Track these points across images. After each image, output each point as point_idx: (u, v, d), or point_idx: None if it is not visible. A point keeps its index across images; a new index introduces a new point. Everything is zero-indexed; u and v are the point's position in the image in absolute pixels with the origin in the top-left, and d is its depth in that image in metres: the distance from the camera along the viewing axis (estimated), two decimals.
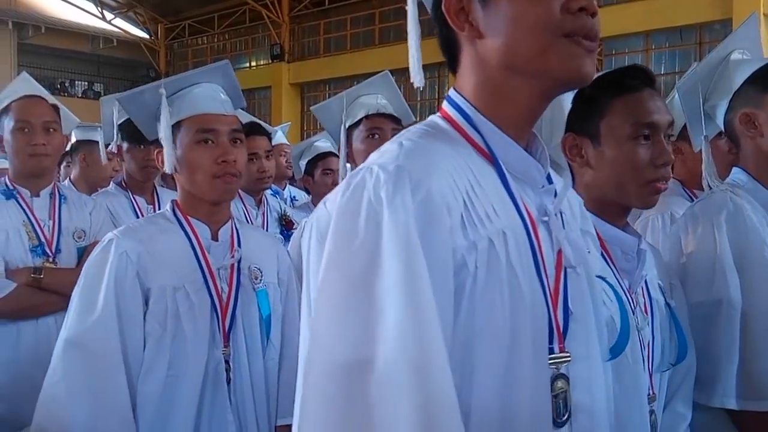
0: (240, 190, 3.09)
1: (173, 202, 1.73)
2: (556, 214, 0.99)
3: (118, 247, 1.59)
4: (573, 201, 1.11)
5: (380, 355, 0.79)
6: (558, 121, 1.40)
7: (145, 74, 22.66)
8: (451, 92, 1.01)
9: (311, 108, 2.70)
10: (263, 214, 3.10)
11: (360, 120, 2.39)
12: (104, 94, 22.71)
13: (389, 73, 2.67)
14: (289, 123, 4.40)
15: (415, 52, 1.00)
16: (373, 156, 0.93)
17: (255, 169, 2.99)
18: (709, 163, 1.69)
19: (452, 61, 1.01)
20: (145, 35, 22.32)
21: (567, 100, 1.38)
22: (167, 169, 1.63)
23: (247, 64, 20.74)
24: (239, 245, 1.71)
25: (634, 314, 1.32)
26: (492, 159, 0.96)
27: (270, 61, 19.47)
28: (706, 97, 1.74)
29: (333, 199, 0.91)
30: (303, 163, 3.41)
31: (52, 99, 2.44)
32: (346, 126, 2.48)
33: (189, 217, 1.68)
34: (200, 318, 1.62)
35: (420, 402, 0.78)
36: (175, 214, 1.69)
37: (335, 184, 3.23)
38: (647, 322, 1.37)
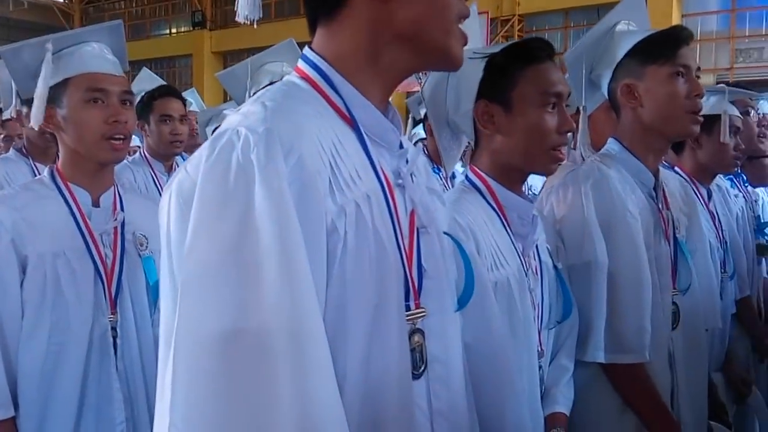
0: (148, 155, 3.02)
1: (51, 167, 1.67)
2: (409, 177, 1.01)
3: None
4: (421, 160, 1.13)
5: (255, 323, 0.77)
6: (465, 89, 1.43)
7: None
8: (307, 51, 0.99)
9: (215, 74, 2.65)
10: None
11: (265, 87, 2.36)
12: None
13: (294, 41, 2.65)
14: (193, 89, 4.29)
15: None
16: (236, 117, 0.90)
17: (168, 131, 2.92)
18: (583, 132, 1.76)
19: (322, 17, 0.98)
20: None
21: (472, 69, 1.41)
22: (33, 124, 1.57)
23: (167, 31, 20.11)
24: (122, 210, 1.68)
25: (526, 276, 1.40)
26: (351, 121, 0.95)
27: (191, 29, 18.93)
28: (592, 67, 1.80)
29: (196, 162, 0.86)
30: (209, 131, 3.35)
31: None
32: (251, 93, 2.45)
33: (69, 183, 1.64)
34: (83, 284, 1.59)
35: (297, 369, 0.78)
36: (54, 180, 1.64)
37: None
38: (538, 283, 1.45)
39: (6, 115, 3.23)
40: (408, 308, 0.96)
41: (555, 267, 1.53)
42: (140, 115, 2.88)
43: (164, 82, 3.39)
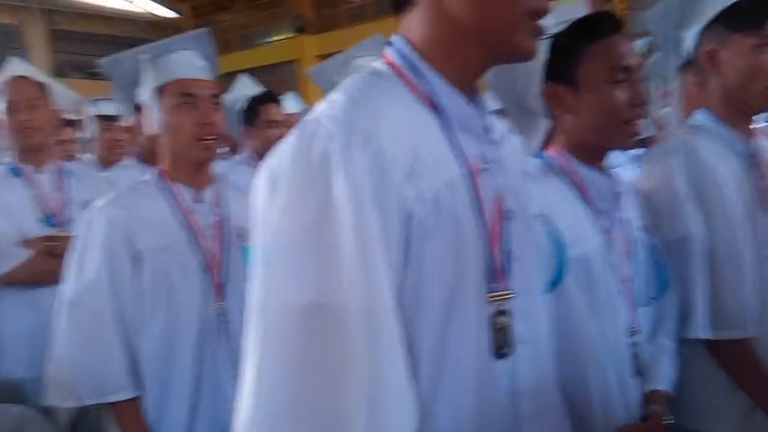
0: (249, 158, 3.18)
1: (158, 168, 1.81)
2: (496, 162, 1.02)
3: (105, 215, 1.69)
4: (515, 144, 1.15)
5: (332, 299, 0.84)
6: (533, 71, 1.43)
7: None
8: (395, 38, 1.02)
9: (308, 71, 2.75)
10: None
11: None
12: None
13: (383, 37, 2.69)
14: (295, 93, 4.44)
15: None
16: (321, 106, 0.95)
17: (275, 135, 3.06)
18: (677, 103, 1.71)
19: (403, 5, 1.01)
20: (173, 14, 22.50)
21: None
22: (149, 130, 1.71)
23: (272, 39, 20.79)
24: (223, 205, 1.80)
25: (610, 252, 1.38)
26: (434, 108, 0.98)
27: (295, 34, 19.47)
28: (675, 26, 1.72)
29: (285, 148, 0.93)
30: None
31: (41, 77, 2.53)
32: None
33: (172, 182, 1.77)
34: (191, 275, 1.72)
35: (367, 342, 0.84)
36: (159, 180, 1.78)
37: None
38: (627, 259, 1.42)
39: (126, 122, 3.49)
40: (493, 290, 0.98)
41: (649, 244, 1.50)
42: (246, 119, 3.05)
43: (262, 89, 3.54)
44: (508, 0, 0.93)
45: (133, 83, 1.79)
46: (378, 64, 1.02)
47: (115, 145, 3.45)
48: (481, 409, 0.96)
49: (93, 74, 22.44)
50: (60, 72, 20.95)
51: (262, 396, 0.86)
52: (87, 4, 21.22)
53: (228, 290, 1.76)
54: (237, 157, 3.22)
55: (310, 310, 0.84)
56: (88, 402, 1.68)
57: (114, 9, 21.65)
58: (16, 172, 2.41)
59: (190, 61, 1.79)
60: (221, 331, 1.74)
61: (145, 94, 1.73)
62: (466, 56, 0.98)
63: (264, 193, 0.93)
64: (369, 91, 0.96)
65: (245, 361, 0.90)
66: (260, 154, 3.16)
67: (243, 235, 1.79)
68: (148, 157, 2.95)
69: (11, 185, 2.37)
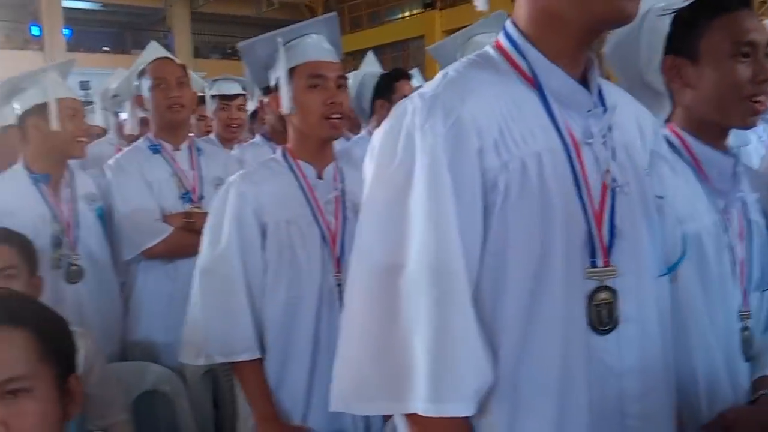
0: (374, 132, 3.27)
1: (284, 147, 1.93)
2: (604, 136, 1.03)
3: (237, 189, 1.82)
4: (645, 123, 1.15)
5: (408, 260, 0.95)
6: (655, 45, 1.41)
7: None
8: (507, 23, 1.07)
9: (428, 48, 2.78)
10: None
11: None
12: None
13: (504, 13, 2.67)
14: (417, 69, 4.47)
15: None
16: (425, 85, 1.05)
17: None
18: None
19: None
20: None
21: (659, 25, 1.39)
22: (285, 109, 1.82)
23: (400, 15, 20.89)
24: (342, 182, 1.89)
25: (726, 233, 1.35)
26: (535, 84, 1.02)
27: (423, 10, 19.47)
28: None
29: (383, 123, 1.05)
30: None
31: (177, 60, 2.72)
32: None
33: (297, 160, 1.87)
34: (312, 247, 1.82)
35: (436, 298, 0.94)
36: (285, 158, 1.89)
37: None
38: (742, 241, 1.38)
39: (252, 106, 3.69)
40: (594, 264, 1.00)
41: None
42: (381, 95, 3.13)
43: (380, 70, 3.58)
44: None
45: (266, 66, 1.90)
46: (488, 48, 1.08)
47: (231, 123, 3.61)
48: (570, 379, 0.99)
49: (229, 54, 23.64)
50: (198, 53, 22.16)
51: (350, 342, 1.02)
52: None
53: (345, 262, 1.84)
54: (362, 131, 3.30)
55: (390, 269, 0.96)
56: (217, 361, 1.83)
57: None
58: (155, 149, 2.58)
59: (318, 44, 1.88)
60: (339, 301, 1.83)
61: (277, 75, 1.83)
62: (564, 31, 1.00)
63: (366, 161, 1.05)
64: (468, 71, 1.04)
65: (344, 309, 1.04)
66: None
67: (359, 210, 1.87)
68: (275, 135, 3.10)
69: (153, 162, 2.54)
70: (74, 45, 20.32)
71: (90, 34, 21.53)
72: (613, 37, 1.47)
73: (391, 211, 0.98)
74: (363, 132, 3.31)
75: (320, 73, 1.82)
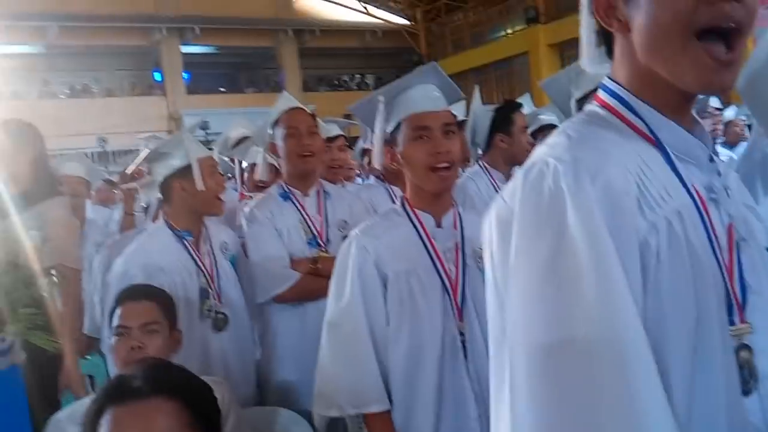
0: (488, 165, 3.25)
1: (402, 197, 1.96)
2: (723, 191, 1.00)
3: (358, 243, 1.87)
4: (731, 176, 1.10)
5: (579, 333, 0.85)
6: None
7: (409, 59, 23.82)
8: (605, 80, 1.04)
9: (539, 83, 2.75)
10: None
11: (590, 92, 2.38)
12: (375, 84, 24.49)
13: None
14: (527, 94, 4.41)
15: (586, 40, 1.04)
16: (542, 149, 0.99)
17: (526, 140, 3.17)
18: None
19: (608, 50, 1.04)
20: (405, 21, 23.45)
21: None
22: (376, 164, 1.89)
23: (503, 33, 20.76)
24: (461, 229, 1.89)
25: None
26: (655, 142, 0.98)
27: (526, 26, 19.27)
28: None
29: (511, 192, 0.98)
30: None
31: (309, 109, 2.82)
32: (575, 99, 2.48)
33: (415, 209, 1.90)
34: (433, 297, 1.83)
35: (622, 373, 0.84)
36: (404, 208, 1.92)
37: None
38: None
39: (361, 145, 3.76)
40: (732, 323, 0.95)
41: None
42: (499, 128, 3.14)
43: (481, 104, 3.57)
44: (666, 27, 0.91)
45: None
46: (593, 107, 1.05)
47: (333, 164, 3.67)
48: None
49: (336, 86, 24.32)
50: (307, 86, 22.94)
51: None
52: (328, 21, 22.88)
53: (467, 311, 1.85)
54: (475, 167, 3.30)
55: (556, 348, 0.86)
56: (349, 412, 1.87)
57: (350, 22, 23.09)
58: (285, 196, 2.70)
59: (424, 94, 1.90)
60: (461, 350, 1.83)
61: (378, 133, 1.88)
62: (665, 92, 0.97)
63: (495, 238, 0.99)
64: (589, 131, 0.99)
65: (494, 402, 0.97)
66: (512, 162, 3.21)
67: (480, 257, 1.87)
68: (388, 176, 3.16)
69: (283, 209, 2.67)
70: (193, 88, 21.58)
71: (207, 76, 22.75)
72: (748, 68, 1.38)
73: (545, 281, 0.89)
74: (475, 167, 3.31)
75: (424, 125, 1.85)
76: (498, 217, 0.99)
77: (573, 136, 0.98)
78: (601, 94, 1.04)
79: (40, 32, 18.99)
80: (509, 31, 20.56)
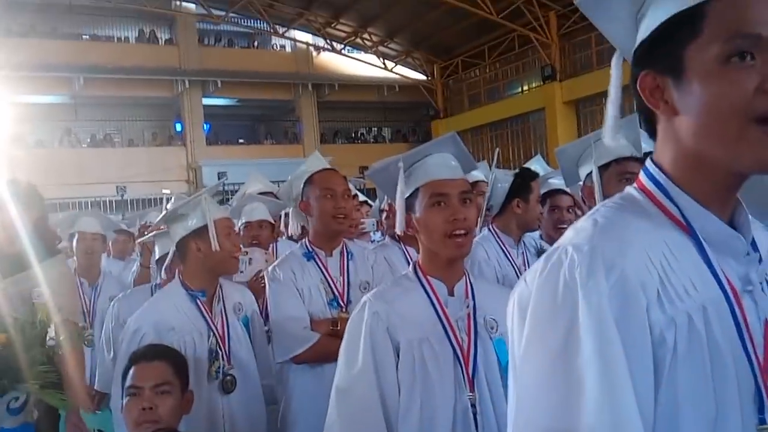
0: (498, 231, 3.26)
1: (414, 262, 1.97)
2: (761, 282, 0.98)
3: (370, 308, 1.86)
4: None
5: (580, 425, 0.87)
6: None
7: (426, 113, 24.16)
8: (648, 163, 1.03)
9: (554, 151, 2.77)
10: (522, 253, 3.23)
11: (609, 163, 2.39)
12: (391, 137, 24.77)
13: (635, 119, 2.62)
14: (539, 156, 4.45)
15: (612, 116, 1.04)
16: (569, 234, 1.00)
17: (538, 210, 3.19)
18: None
19: (650, 131, 1.03)
20: (423, 77, 23.83)
21: None
22: (398, 229, 1.89)
23: (519, 90, 21.01)
24: (473, 298, 1.89)
25: None
26: (689, 231, 0.97)
27: (542, 83, 19.51)
28: None
29: (532, 276, 0.99)
30: None
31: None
32: (597, 166, 2.50)
33: (428, 277, 1.90)
34: (444, 366, 1.81)
35: None
36: (416, 274, 1.92)
37: (560, 221, 3.26)
38: None
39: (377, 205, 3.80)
40: (763, 422, 0.93)
41: None
42: (518, 193, 3.17)
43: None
44: (725, 113, 0.90)
45: (394, 185, 1.94)
46: (632, 190, 1.05)
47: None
48: None
49: (352, 139, 24.59)
50: (324, 138, 23.26)
51: None
52: (346, 76, 23.31)
53: (478, 381, 1.83)
54: (484, 231, 3.31)
55: None
56: None
57: (369, 77, 23.49)
58: (309, 256, 2.72)
59: (442, 162, 1.92)
60: (473, 422, 1.79)
61: (399, 198, 1.89)
62: (714, 174, 0.96)
63: (516, 320, 1.00)
64: (617, 218, 0.99)
65: None
66: (524, 228, 3.23)
67: (492, 327, 1.87)
68: (403, 236, 3.15)
69: (305, 269, 2.68)
70: (212, 138, 21.94)
71: (226, 127, 23.14)
72: None
73: (554, 371, 0.91)
74: (485, 231, 3.32)
75: (442, 192, 1.86)
76: (519, 300, 1.00)
77: (599, 222, 0.98)
78: (642, 177, 1.04)
79: (65, 83, 19.47)
80: (525, 87, 20.80)
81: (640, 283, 0.91)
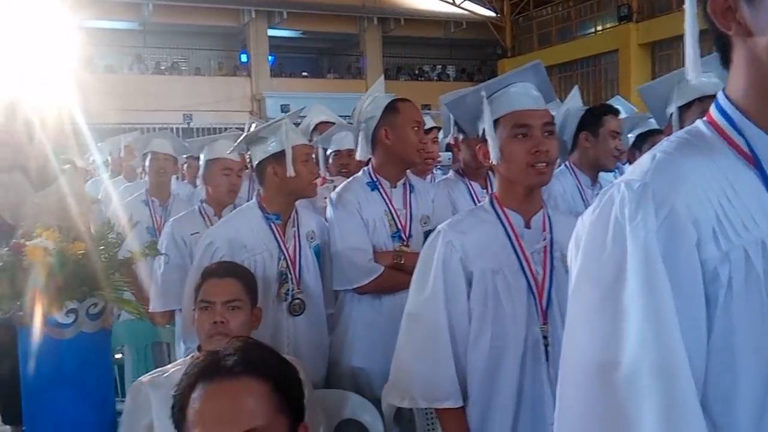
0: (575, 167, 3.17)
1: (491, 194, 1.92)
2: None
3: (444, 237, 1.84)
4: None
5: (624, 358, 0.89)
6: None
7: (493, 52, 23.61)
8: (719, 95, 0.99)
9: (637, 89, 2.65)
10: (598, 194, 3.13)
11: (693, 102, 2.28)
12: (455, 76, 24.36)
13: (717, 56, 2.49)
14: (619, 96, 4.25)
15: (691, 48, 0.98)
16: (630, 169, 1.00)
17: (614, 146, 3.07)
18: None
19: (725, 60, 0.97)
20: (491, 14, 23.17)
21: None
22: (494, 160, 1.82)
23: (593, 30, 20.24)
24: (551, 231, 1.85)
25: None
26: (755, 163, 0.93)
27: (617, 23, 18.73)
28: None
29: (588, 214, 1.00)
30: (632, 137, 3.34)
31: None
32: (674, 110, 2.39)
33: (504, 208, 1.86)
34: (517, 298, 1.80)
35: (660, 401, 0.87)
36: (492, 206, 1.89)
37: None
38: None
39: (447, 140, 3.72)
40: None
41: None
42: (586, 128, 3.06)
43: (581, 104, 3.45)
44: None
45: (473, 117, 1.92)
46: (700, 123, 1.01)
47: (428, 156, 3.56)
48: None
49: (416, 75, 24.28)
50: (387, 74, 23.01)
51: None
52: (413, 10, 22.84)
53: (551, 314, 1.81)
54: (561, 167, 3.22)
55: (604, 368, 0.90)
56: (421, 405, 1.87)
57: (436, 12, 22.97)
58: (373, 186, 2.67)
59: (525, 92, 1.86)
60: (543, 353, 1.79)
61: (487, 126, 1.84)
62: None
63: (572, 255, 1.02)
64: (678, 153, 0.97)
65: (557, 407, 1.00)
66: (596, 166, 3.13)
67: (566, 261, 1.82)
68: (468, 172, 3.10)
69: (369, 199, 2.64)
70: (276, 71, 21.97)
71: (290, 60, 23.14)
72: None
73: (602, 306, 0.93)
74: (562, 167, 3.22)
75: (525, 122, 1.81)
76: (576, 237, 1.02)
77: (657, 157, 0.96)
78: (711, 110, 1.00)
79: (135, 9, 19.70)
80: (599, 27, 20.04)
81: (692, 220, 0.90)
